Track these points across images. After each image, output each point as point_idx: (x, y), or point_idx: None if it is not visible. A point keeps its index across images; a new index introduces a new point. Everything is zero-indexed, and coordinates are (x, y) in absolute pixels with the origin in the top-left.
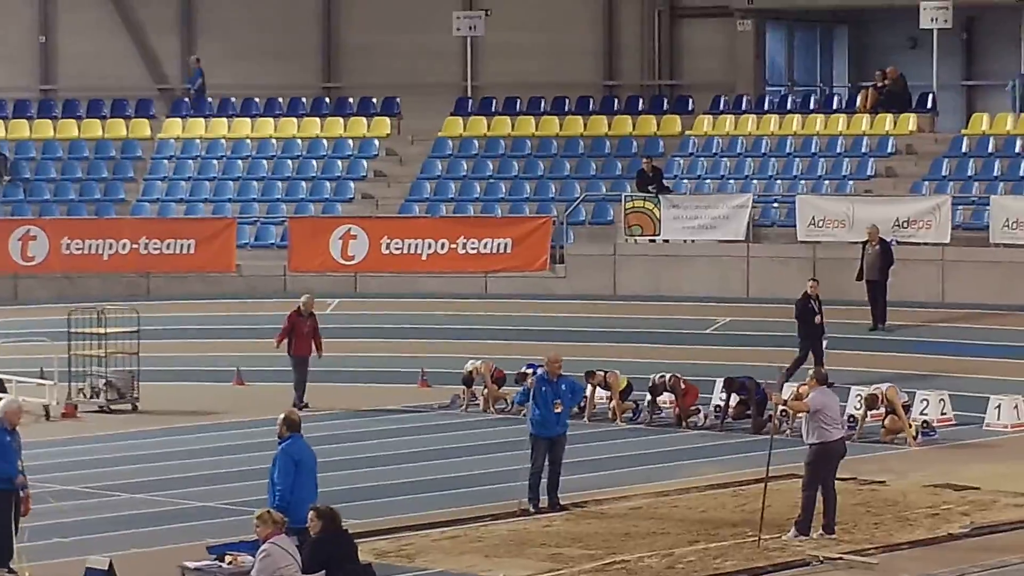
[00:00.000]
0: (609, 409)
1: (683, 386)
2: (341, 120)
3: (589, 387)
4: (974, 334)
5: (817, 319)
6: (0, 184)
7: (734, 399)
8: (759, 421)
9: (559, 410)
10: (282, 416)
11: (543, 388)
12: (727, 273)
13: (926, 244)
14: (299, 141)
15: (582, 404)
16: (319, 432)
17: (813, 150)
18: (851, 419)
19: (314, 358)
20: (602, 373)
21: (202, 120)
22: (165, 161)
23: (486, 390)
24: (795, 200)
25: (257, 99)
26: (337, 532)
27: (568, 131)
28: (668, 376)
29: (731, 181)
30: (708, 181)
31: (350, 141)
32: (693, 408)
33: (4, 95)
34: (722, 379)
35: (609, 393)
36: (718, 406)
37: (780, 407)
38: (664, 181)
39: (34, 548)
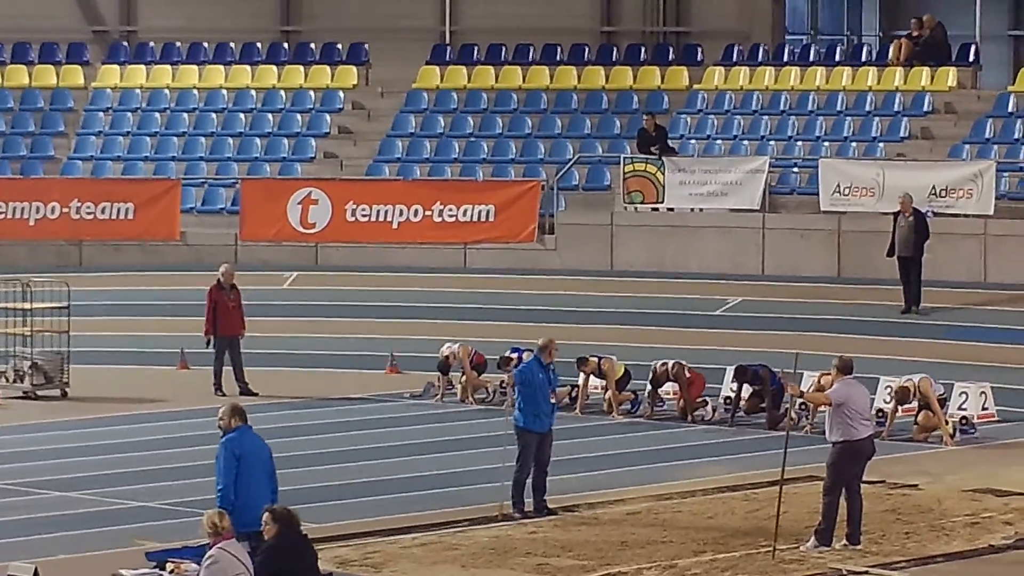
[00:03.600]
0: (604, 400)
1: (688, 375)
2: (301, 69)
3: (582, 376)
4: (1020, 318)
5: None
6: None
7: (746, 390)
8: (774, 415)
9: (555, 400)
10: (226, 406)
11: (538, 375)
12: (740, 247)
13: (966, 216)
14: (253, 92)
15: (574, 395)
16: (272, 424)
17: (838, 108)
18: (880, 414)
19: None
20: (596, 360)
21: (142, 67)
22: (100, 114)
23: (464, 377)
24: (818, 164)
25: (205, 44)
26: (295, 537)
27: (560, 84)
28: (671, 364)
29: (745, 142)
30: (719, 142)
31: (311, 93)
32: (700, 400)
33: None
34: (733, 367)
35: (604, 382)
36: (728, 398)
37: (798, 400)
38: (669, 141)
39: None
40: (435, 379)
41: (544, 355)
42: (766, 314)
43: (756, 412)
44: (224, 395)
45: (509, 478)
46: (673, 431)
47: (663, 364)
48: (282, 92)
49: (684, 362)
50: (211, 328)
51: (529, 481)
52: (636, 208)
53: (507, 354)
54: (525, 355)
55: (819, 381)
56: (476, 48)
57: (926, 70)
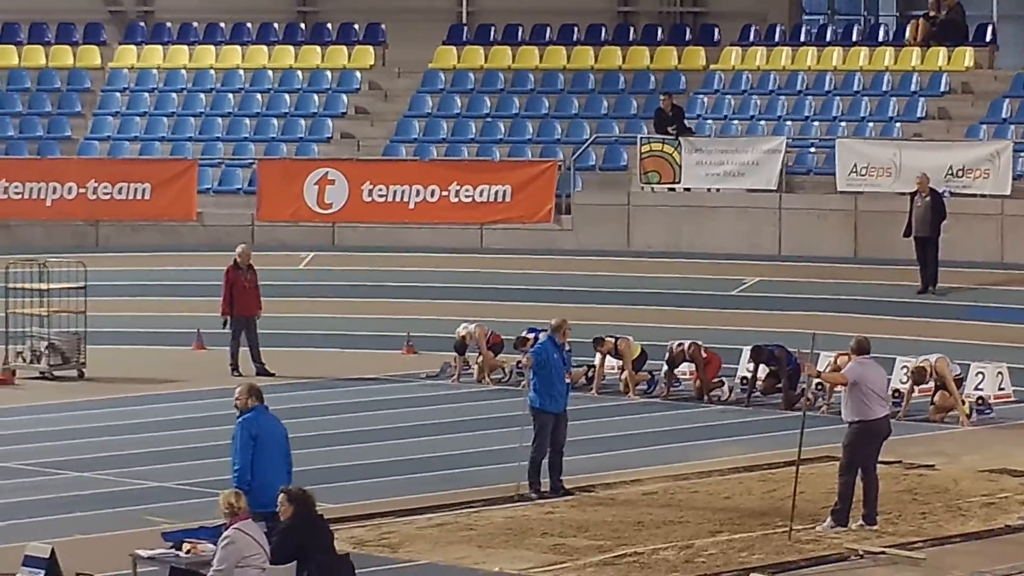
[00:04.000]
0: (621, 380)
1: (704, 355)
2: (318, 49)
3: (598, 356)
4: None
5: None
6: None
7: (763, 370)
8: (791, 395)
9: (570, 380)
10: (243, 386)
11: (553, 355)
12: (756, 227)
13: (983, 196)
14: (270, 72)
15: (590, 375)
16: (288, 404)
17: (855, 88)
18: (896, 394)
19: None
20: (612, 340)
21: (159, 48)
22: (117, 94)
23: (480, 358)
24: (834, 145)
25: (222, 24)
26: (310, 518)
27: (576, 64)
28: (688, 344)
29: (761, 122)
30: (735, 122)
31: (328, 73)
32: (716, 380)
33: None
34: (749, 348)
35: (621, 362)
36: (745, 378)
37: (815, 380)
38: (685, 122)
39: None
40: (451, 359)
41: (558, 335)
42: (783, 294)
43: (772, 392)
44: (240, 375)
45: (525, 459)
46: (689, 411)
47: (679, 344)
48: (299, 72)
49: (700, 342)
50: (228, 308)
51: (545, 461)
52: (653, 188)
53: (524, 334)
54: (542, 335)
55: (835, 361)
56: (493, 28)
57: (943, 50)
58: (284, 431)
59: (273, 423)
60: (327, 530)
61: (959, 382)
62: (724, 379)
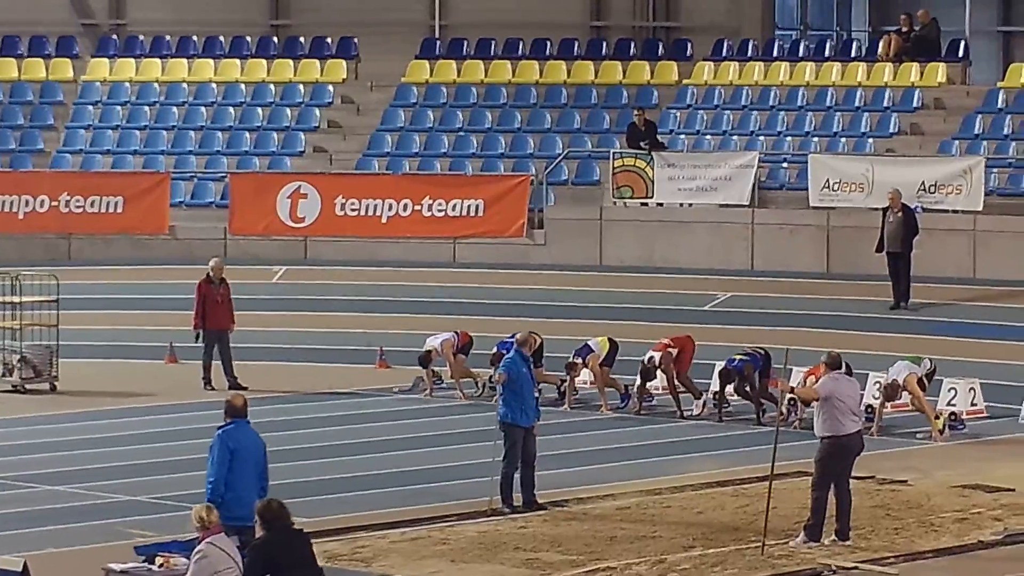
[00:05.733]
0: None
1: (674, 347)
2: (291, 63)
3: (570, 377)
4: (1009, 315)
5: None
6: None
7: (730, 389)
8: (759, 401)
9: (538, 394)
10: (237, 397)
11: (523, 369)
12: (729, 242)
13: (956, 212)
14: (242, 86)
15: (562, 389)
16: (261, 418)
17: (828, 103)
18: (868, 410)
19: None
20: (579, 361)
21: (132, 61)
22: (90, 107)
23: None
24: (807, 160)
25: (195, 37)
26: (286, 531)
27: (549, 78)
28: (658, 356)
29: (734, 137)
30: (708, 137)
31: (301, 87)
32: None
33: None
34: (718, 370)
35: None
36: (716, 393)
37: (787, 395)
38: (658, 136)
39: None
40: (423, 374)
41: (525, 349)
42: (755, 309)
43: (746, 400)
44: (213, 389)
45: (497, 473)
46: (663, 426)
47: (651, 359)
48: (271, 86)
49: (670, 344)
50: (200, 322)
51: (517, 476)
52: (625, 203)
53: (498, 350)
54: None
55: (805, 379)
56: (466, 42)
57: (915, 66)
58: (263, 447)
59: (252, 438)
60: (305, 543)
61: (924, 382)
62: (702, 392)
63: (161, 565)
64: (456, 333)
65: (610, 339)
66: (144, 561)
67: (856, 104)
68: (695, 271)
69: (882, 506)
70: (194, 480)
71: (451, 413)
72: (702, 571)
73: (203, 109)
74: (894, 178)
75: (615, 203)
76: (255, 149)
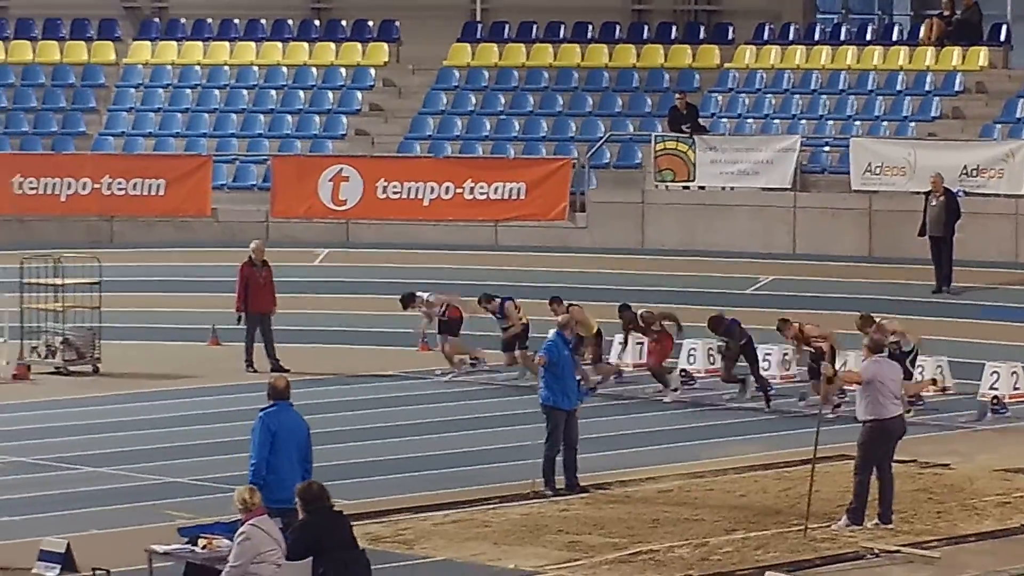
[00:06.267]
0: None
1: (657, 328)
2: (332, 46)
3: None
4: None
5: None
6: None
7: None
8: (730, 375)
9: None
10: (279, 379)
11: (564, 352)
12: (771, 225)
13: (998, 196)
14: (284, 69)
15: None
16: (303, 400)
17: (870, 87)
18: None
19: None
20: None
21: (174, 44)
22: (132, 90)
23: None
24: (849, 144)
25: (237, 21)
26: (327, 514)
27: (591, 62)
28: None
29: (776, 121)
30: (750, 121)
31: (342, 70)
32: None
33: None
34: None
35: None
36: (758, 376)
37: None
38: (700, 120)
39: None
40: (465, 355)
41: (566, 332)
42: (797, 293)
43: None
44: (255, 371)
45: (540, 456)
46: (705, 410)
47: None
48: (313, 69)
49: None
50: (242, 305)
51: (560, 459)
52: (667, 186)
53: (493, 299)
54: (507, 304)
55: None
56: (507, 26)
57: (957, 50)
58: (305, 428)
59: (295, 420)
60: (346, 526)
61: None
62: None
63: (204, 547)
64: (446, 305)
65: (598, 325)
66: (187, 543)
67: (898, 88)
68: (737, 254)
69: (924, 490)
70: (236, 462)
71: (492, 395)
72: (744, 554)
73: (245, 92)
74: (936, 162)
75: (657, 186)
76: (297, 132)
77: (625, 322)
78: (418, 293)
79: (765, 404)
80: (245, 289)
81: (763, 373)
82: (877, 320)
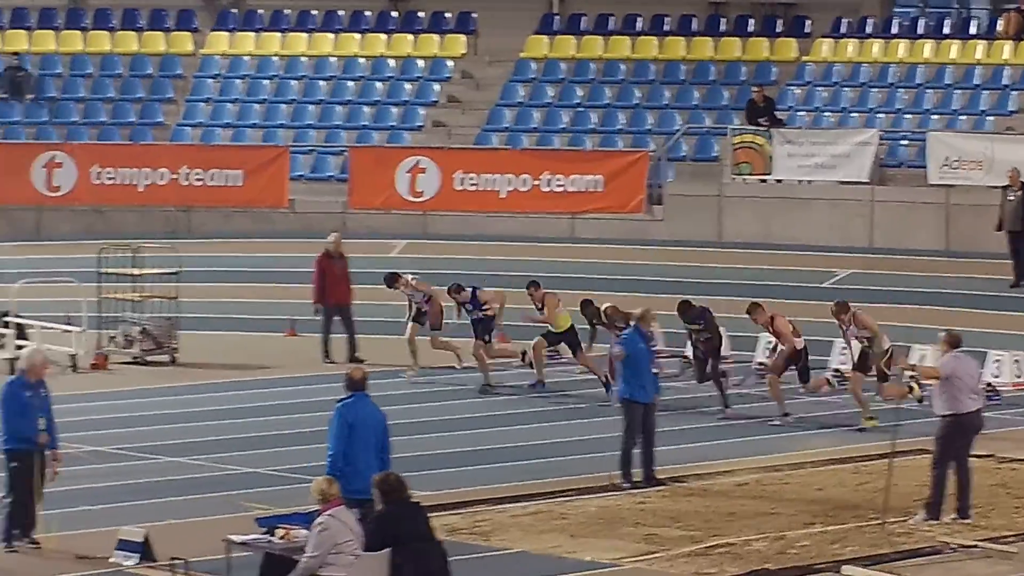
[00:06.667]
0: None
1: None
2: (410, 37)
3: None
4: None
5: None
6: (22, 103)
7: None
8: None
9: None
10: (355, 370)
11: (640, 345)
12: (848, 219)
13: None
14: (362, 60)
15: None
16: (380, 392)
17: (947, 81)
18: (990, 388)
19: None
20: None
21: (251, 35)
22: (209, 80)
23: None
24: (926, 138)
25: (314, 12)
26: (405, 505)
27: (668, 54)
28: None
29: (853, 114)
30: (827, 114)
31: (420, 61)
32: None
33: (28, 3)
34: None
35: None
36: (836, 370)
37: (909, 373)
38: (777, 113)
39: (60, 517)
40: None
41: (643, 324)
42: (875, 287)
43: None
44: (333, 362)
45: (617, 449)
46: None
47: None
48: (390, 61)
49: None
50: (320, 296)
51: (637, 452)
52: (744, 179)
53: (460, 284)
54: (480, 292)
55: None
56: (584, 18)
57: None
58: (383, 419)
59: (372, 411)
60: (424, 517)
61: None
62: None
63: (282, 537)
64: (428, 294)
65: (571, 321)
66: (265, 533)
67: (975, 82)
68: (814, 248)
69: (1002, 484)
70: (314, 453)
71: (570, 388)
72: (822, 548)
73: (322, 83)
74: (1013, 156)
75: (734, 179)
76: (374, 123)
77: (588, 317)
78: (403, 274)
79: (723, 405)
80: (322, 281)
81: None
82: (852, 310)
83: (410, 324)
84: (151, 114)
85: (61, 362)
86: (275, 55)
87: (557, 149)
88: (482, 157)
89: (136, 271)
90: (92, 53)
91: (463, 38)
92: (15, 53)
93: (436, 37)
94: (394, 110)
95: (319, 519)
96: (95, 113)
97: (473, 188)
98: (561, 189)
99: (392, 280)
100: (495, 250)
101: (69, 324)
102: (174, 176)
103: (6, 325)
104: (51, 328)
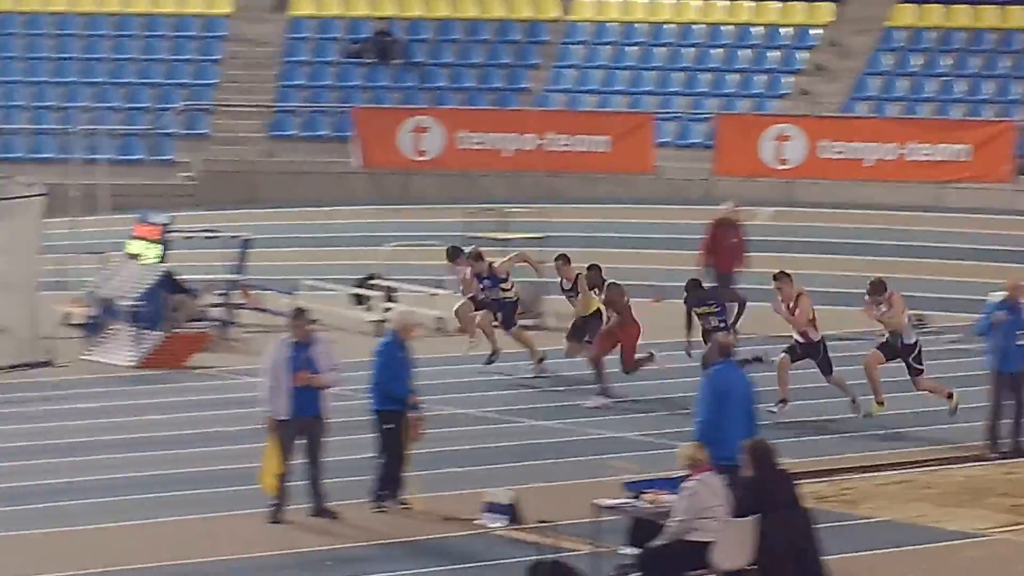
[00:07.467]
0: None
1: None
2: (777, 5)
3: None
4: None
5: None
6: (389, 68)
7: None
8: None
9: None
10: (713, 343)
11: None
12: None
13: None
14: (728, 28)
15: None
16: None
17: None
18: None
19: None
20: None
21: (617, 1)
22: (576, 47)
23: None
24: None
25: None
26: (774, 472)
27: None
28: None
29: None
30: None
31: (785, 29)
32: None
33: None
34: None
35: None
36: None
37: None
38: None
39: (426, 478)
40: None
41: (1021, 295)
42: None
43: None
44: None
45: (982, 419)
46: None
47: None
48: (756, 28)
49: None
50: (708, 259)
51: (1007, 422)
52: None
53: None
54: (495, 266)
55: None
56: None
57: None
58: (750, 387)
59: (739, 379)
60: (791, 485)
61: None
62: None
63: (650, 501)
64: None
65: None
66: (633, 497)
67: None
68: None
69: None
70: (682, 419)
71: (935, 357)
72: None
73: (688, 50)
74: None
75: None
76: (740, 91)
77: (590, 282)
78: (467, 249)
79: None
80: (712, 246)
81: None
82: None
83: (464, 303)
84: (517, 80)
85: (428, 325)
86: (641, 22)
87: (923, 118)
88: (848, 125)
89: (503, 235)
90: (460, 19)
91: (830, 6)
92: (383, 18)
93: (802, 5)
94: (760, 78)
95: (688, 483)
96: (461, 78)
97: (839, 156)
98: (927, 158)
99: (454, 255)
100: (861, 219)
101: (437, 287)
102: (540, 142)
103: (372, 288)
104: (419, 292)
